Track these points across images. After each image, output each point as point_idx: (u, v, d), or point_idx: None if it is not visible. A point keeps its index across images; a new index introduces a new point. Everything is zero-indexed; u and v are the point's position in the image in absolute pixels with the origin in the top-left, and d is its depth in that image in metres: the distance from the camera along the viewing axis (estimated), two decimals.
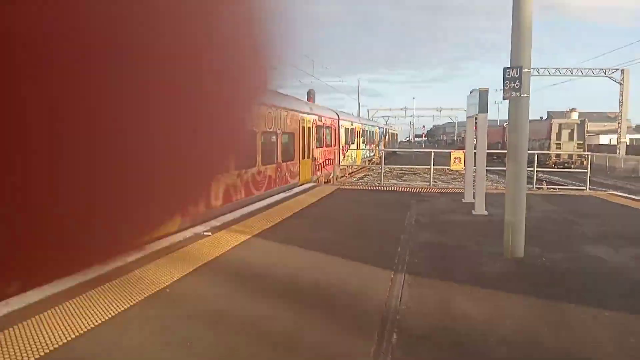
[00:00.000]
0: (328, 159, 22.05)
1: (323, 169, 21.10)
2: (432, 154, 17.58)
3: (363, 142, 34.26)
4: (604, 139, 63.49)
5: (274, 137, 14.87)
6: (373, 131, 41.55)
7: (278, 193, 14.14)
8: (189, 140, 0.71)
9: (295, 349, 4.11)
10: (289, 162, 16.26)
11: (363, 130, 34.96)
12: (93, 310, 4.79)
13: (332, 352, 4.06)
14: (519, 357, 4.05)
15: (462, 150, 14.96)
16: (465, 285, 5.80)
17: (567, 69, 44.34)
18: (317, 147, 20.27)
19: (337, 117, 25.13)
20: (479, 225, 9.58)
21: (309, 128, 18.94)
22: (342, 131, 26.08)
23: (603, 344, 4.28)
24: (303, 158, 17.94)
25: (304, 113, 18.52)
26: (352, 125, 29.98)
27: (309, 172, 18.92)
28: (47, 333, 4.25)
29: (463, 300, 5.32)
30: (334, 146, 23.33)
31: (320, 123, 20.94)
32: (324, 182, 18.99)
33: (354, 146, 30.18)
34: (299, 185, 16.28)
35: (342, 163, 25.25)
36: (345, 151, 26.30)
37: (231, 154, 0.85)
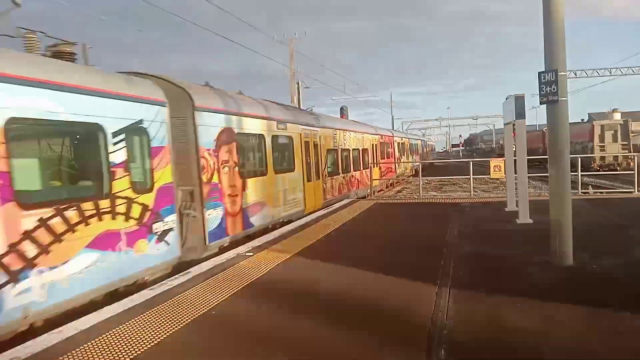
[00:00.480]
0: (388, 168, 29.00)
1: (385, 175, 27.78)
2: (471, 163, 17.30)
3: (410, 154, 40.57)
4: None
5: (360, 152, 22.91)
6: (417, 144, 48.37)
7: (364, 190, 21.91)
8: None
9: None
10: (367, 169, 22.99)
11: (410, 144, 41.72)
12: (141, 335, 4.90)
13: None
14: None
15: (501, 158, 14.67)
16: (513, 296, 5.64)
17: (605, 68, 43.07)
18: (381, 159, 27.21)
19: (392, 135, 32.84)
20: (524, 234, 9.33)
21: (376, 145, 26.18)
22: (395, 146, 32.91)
23: None
24: (375, 167, 23.89)
25: (373, 134, 26.07)
26: (401, 140, 36.91)
27: (378, 176, 24.67)
28: (98, 358, 4.37)
29: (511, 312, 5.17)
30: (391, 158, 30.46)
31: (382, 140, 28.00)
32: (361, 198, 18.94)
33: (404, 158, 36.56)
34: (372, 186, 21.38)
35: (398, 172, 32.30)
36: (400, 161, 33.35)
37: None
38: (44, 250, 5.79)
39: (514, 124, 11.15)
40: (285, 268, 7.54)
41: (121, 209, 7.17)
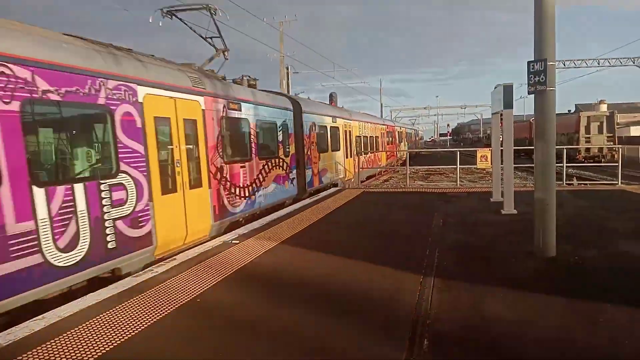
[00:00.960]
0: (391, 152, 36.21)
1: (390, 158, 35.30)
2: (458, 153, 17.39)
3: (407, 142, 50.38)
4: (635, 131, 61.73)
5: (375, 138, 29.97)
6: (410, 132, 59.41)
7: (378, 168, 29.61)
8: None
9: (328, 357, 4.11)
10: (377, 152, 30.17)
11: (406, 133, 52.33)
12: (126, 322, 4.89)
13: (363, 358, 4.04)
14: (554, 358, 3.97)
15: (488, 148, 14.75)
16: (496, 286, 5.71)
17: (593, 59, 43.32)
18: (387, 144, 34.65)
19: (394, 125, 41.86)
20: (509, 224, 9.43)
21: (383, 133, 33.53)
22: (396, 134, 41.11)
23: (639, 344, 4.16)
24: (382, 151, 32.31)
25: (382, 125, 33.51)
26: (400, 129, 46.24)
27: (385, 158, 33.21)
28: (81, 346, 4.35)
29: (494, 302, 5.23)
30: (393, 144, 37.94)
31: (387, 130, 35.70)
32: (347, 187, 19.01)
33: (402, 144, 45.19)
34: (384, 165, 31.66)
35: (399, 156, 38.94)
36: (399, 147, 41.48)
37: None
38: (264, 177, 12.73)
39: (501, 114, 11.20)
40: (271, 256, 7.55)
41: (281, 164, 14.09)
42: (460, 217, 10.51)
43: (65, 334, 4.59)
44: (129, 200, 7.38)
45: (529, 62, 6.97)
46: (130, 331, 4.65)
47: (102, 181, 6.84)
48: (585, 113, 39.47)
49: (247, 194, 11.60)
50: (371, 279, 6.24)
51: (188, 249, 8.26)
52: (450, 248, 7.70)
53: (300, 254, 7.71)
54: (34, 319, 5.05)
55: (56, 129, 6.41)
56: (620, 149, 17.78)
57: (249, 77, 13.46)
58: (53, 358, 4.12)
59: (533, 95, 7.06)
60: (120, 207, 7.19)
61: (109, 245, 6.90)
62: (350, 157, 22.27)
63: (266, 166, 12.92)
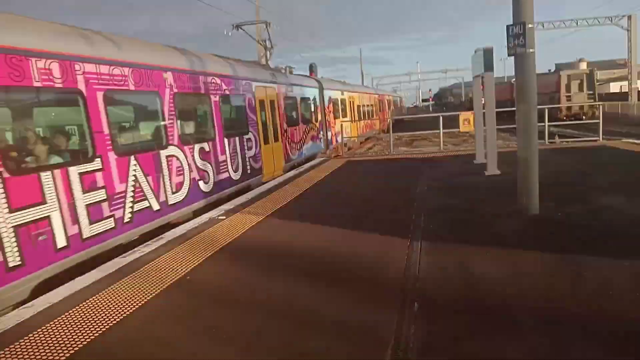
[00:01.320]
0: (384, 119, 41.03)
1: (383, 123, 39.69)
2: (440, 117, 17.39)
3: (394, 108, 58.00)
4: (614, 87, 62.22)
5: (371, 106, 35.89)
6: (397, 100, 69.42)
7: (372, 131, 33.49)
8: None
9: (320, 325, 4.15)
10: (372, 120, 34.77)
11: (394, 101, 60.84)
12: (117, 303, 4.88)
13: (356, 326, 4.09)
14: (539, 312, 4.06)
15: (470, 112, 14.77)
16: (482, 247, 5.79)
17: (571, 19, 43.18)
18: (379, 111, 40.01)
19: (385, 94, 49.86)
20: (492, 185, 9.53)
21: (376, 102, 39.00)
22: (386, 102, 47.82)
23: (624, 294, 4.26)
24: (376, 119, 36.65)
25: (373, 94, 39.28)
26: (389, 97, 54.26)
27: (380, 125, 38.25)
28: (72, 332, 4.35)
29: (481, 261, 5.31)
30: (384, 111, 44.14)
31: (379, 98, 42.07)
32: (333, 156, 19.02)
33: (389, 111, 50.87)
34: (380, 129, 37.23)
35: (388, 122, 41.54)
36: (387, 114, 46.01)
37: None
38: (306, 136, 18.37)
39: (482, 77, 11.18)
40: (259, 230, 7.55)
41: (315, 127, 19.73)
42: (444, 181, 10.59)
43: (55, 320, 4.56)
44: (253, 147, 12.95)
45: (508, 26, 6.97)
46: (121, 313, 4.65)
47: (244, 136, 12.41)
48: (566, 72, 39.60)
49: (298, 148, 17.37)
50: (360, 246, 6.29)
51: (273, 179, 13.27)
52: (436, 212, 7.77)
53: (288, 226, 7.73)
54: (23, 306, 5.02)
55: (235, 108, 12.39)
56: (601, 106, 17.92)
57: (290, 66, 19.52)
58: (45, 345, 4.11)
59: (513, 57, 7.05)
60: (250, 150, 12.70)
61: (248, 171, 12.53)
62: (354, 122, 27.48)
63: (306, 129, 18.56)
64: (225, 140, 11.20)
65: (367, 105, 33.74)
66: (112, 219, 7.25)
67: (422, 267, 5.29)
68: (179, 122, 9.24)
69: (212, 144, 10.59)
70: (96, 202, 6.93)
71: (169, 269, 5.85)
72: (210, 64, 11.10)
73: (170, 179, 8.77)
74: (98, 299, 5.03)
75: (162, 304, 4.87)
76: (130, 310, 4.70)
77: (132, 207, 7.71)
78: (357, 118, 28.45)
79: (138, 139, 8.61)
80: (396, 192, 9.77)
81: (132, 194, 7.72)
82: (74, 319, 4.58)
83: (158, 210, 8.38)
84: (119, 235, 7.38)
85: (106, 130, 7.27)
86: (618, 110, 38.89)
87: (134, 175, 7.81)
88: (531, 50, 6.86)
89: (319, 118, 20.69)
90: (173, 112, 9.08)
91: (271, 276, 5.45)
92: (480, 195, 8.78)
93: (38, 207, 5.95)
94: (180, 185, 9.12)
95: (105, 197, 7.10)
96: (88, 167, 6.87)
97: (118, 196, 7.40)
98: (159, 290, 5.19)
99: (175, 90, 9.23)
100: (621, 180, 9.08)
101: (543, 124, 15.83)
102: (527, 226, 6.62)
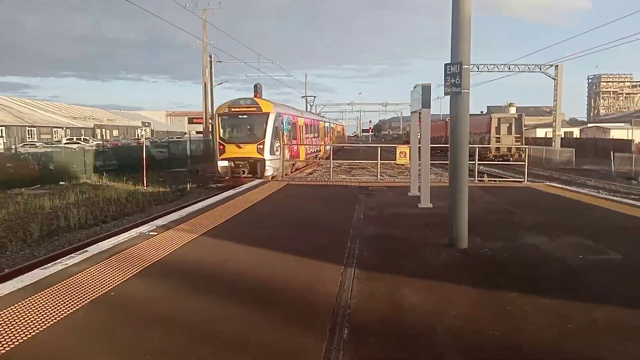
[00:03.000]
0: (326, 145, 45.17)
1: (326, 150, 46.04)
2: (379, 148, 17.86)
3: (338, 136, 63.38)
4: (540, 132, 66.54)
5: (323, 131, 45.14)
6: (340, 129, 73.31)
7: (317, 153, 38.40)
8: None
9: (246, 348, 4.07)
10: (322, 144, 41.28)
11: (338, 129, 66.75)
12: (33, 317, 4.58)
13: (283, 350, 4.05)
14: (463, 345, 4.19)
15: (407, 145, 15.27)
16: (413, 277, 5.94)
17: (505, 64, 46.06)
18: (325, 137, 45.32)
19: (330, 121, 56.04)
20: (425, 218, 9.84)
21: (325, 128, 46.10)
22: (332, 130, 53.79)
23: (541, 330, 4.48)
24: (322, 144, 43.02)
25: (325, 122, 48.29)
26: (334, 125, 60.49)
27: (323, 151, 41.81)
28: None
29: (411, 292, 5.44)
30: (329, 138, 48.10)
31: (327, 126, 48.86)
32: (271, 179, 19.04)
33: (334, 137, 57.20)
34: (322, 154, 40.99)
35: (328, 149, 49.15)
36: (331, 141, 50.74)
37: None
38: (312, 144, 36.60)
39: (420, 113, 11.62)
40: (191, 248, 7.37)
41: (314, 141, 38.18)
42: (380, 210, 10.82)
43: None
44: (305, 147, 31.89)
45: (446, 65, 7.29)
46: (37, 327, 4.35)
47: (319, 139, 39.90)
48: (497, 115, 42.06)
49: (309, 150, 32.40)
50: (293, 270, 6.27)
51: (296, 170, 27.75)
52: (371, 240, 7.91)
53: (221, 246, 7.59)
54: None
55: (318, 131, 40.43)
56: (527, 149, 19.09)
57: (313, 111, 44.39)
58: None
59: (449, 96, 7.40)
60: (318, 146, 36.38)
61: (309, 152, 33.82)
62: (323, 142, 39.58)
63: (311, 141, 33.37)
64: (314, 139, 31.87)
65: (314, 131, 39.09)
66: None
67: (354, 295, 5.33)
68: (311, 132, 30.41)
69: (316, 140, 31.37)
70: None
71: (93, 284, 5.56)
72: (311, 114, 26.25)
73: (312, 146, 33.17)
74: (11, 312, 4.68)
75: (83, 319, 4.60)
76: (47, 325, 4.41)
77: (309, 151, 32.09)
78: (323, 139, 40.25)
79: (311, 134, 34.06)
80: (333, 218, 9.87)
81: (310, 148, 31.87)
82: None
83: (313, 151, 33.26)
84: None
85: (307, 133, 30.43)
86: (542, 154, 41.54)
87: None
88: (466, 90, 7.22)
89: (313, 136, 36.38)
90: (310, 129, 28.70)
91: (198, 296, 5.31)
92: (414, 226, 9.04)
93: None
94: (314, 148, 34.65)
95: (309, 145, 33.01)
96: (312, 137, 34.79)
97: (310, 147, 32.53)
98: (80, 305, 4.91)
99: (308, 123, 31.87)
100: (543, 221, 9.64)
101: (473, 162, 16.63)
102: (455, 259, 6.87)
